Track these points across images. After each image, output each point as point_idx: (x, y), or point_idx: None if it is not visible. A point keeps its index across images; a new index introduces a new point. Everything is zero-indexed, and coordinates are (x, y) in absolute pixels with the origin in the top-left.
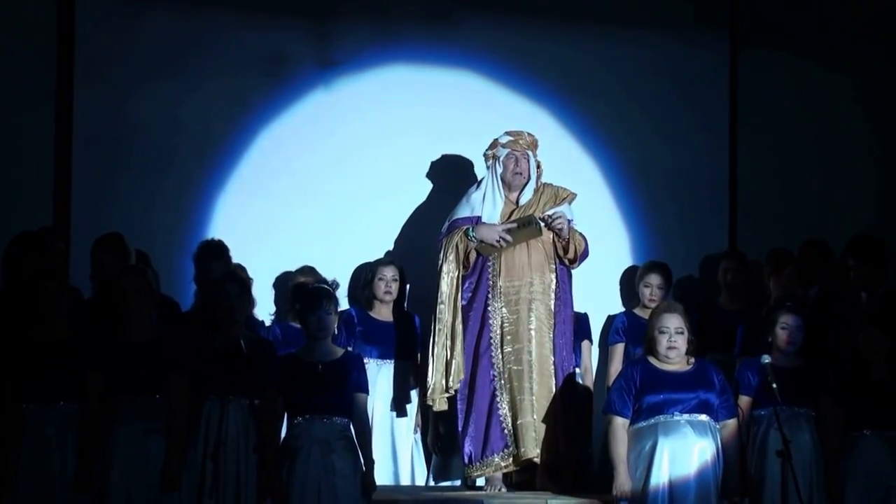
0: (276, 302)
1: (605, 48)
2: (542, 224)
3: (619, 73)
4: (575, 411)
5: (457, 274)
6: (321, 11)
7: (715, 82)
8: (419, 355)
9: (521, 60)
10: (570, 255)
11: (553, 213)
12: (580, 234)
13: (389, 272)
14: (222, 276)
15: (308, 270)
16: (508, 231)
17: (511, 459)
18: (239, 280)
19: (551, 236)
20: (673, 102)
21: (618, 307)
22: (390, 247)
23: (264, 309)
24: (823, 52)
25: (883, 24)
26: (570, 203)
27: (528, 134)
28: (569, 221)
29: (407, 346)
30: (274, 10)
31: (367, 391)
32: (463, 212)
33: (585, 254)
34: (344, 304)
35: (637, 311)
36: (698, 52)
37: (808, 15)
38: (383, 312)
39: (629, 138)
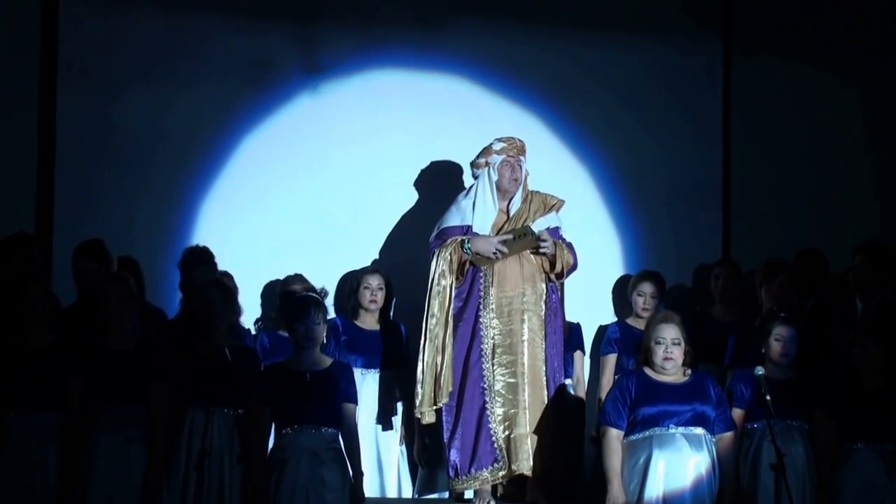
0: (264, 310)
1: (596, 54)
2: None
3: (610, 79)
4: (566, 423)
5: (449, 285)
6: (307, 16)
7: (708, 88)
8: (405, 365)
9: (510, 66)
10: (557, 269)
11: (541, 239)
12: (568, 244)
13: (375, 280)
14: (206, 282)
15: (297, 278)
16: (504, 242)
17: (501, 473)
18: (222, 287)
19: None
20: (666, 109)
21: (609, 317)
22: (377, 255)
23: (252, 317)
24: (818, 59)
25: (878, 29)
26: (557, 211)
27: (519, 140)
28: (557, 229)
29: (393, 355)
30: (259, 15)
31: (355, 401)
32: (453, 220)
33: (574, 266)
34: (330, 313)
35: (629, 320)
36: (691, 58)
37: (802, 21)
38: (368, 321)
39: (621, 145)
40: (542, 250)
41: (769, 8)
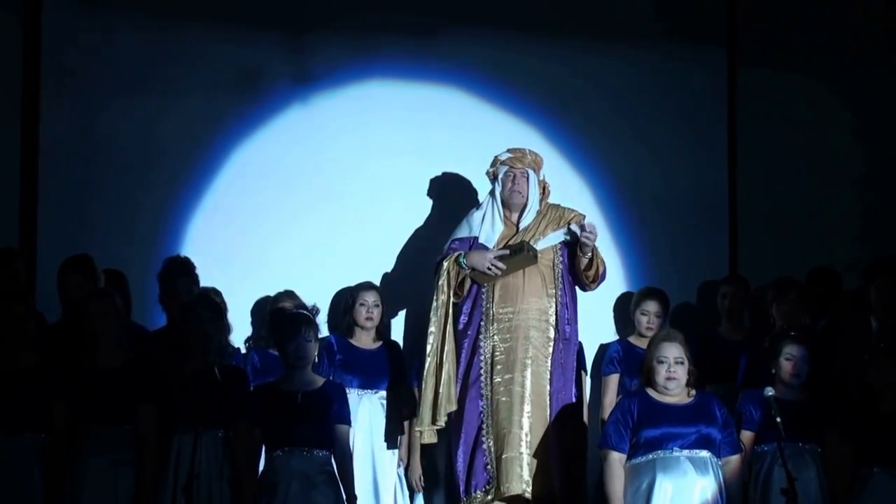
0: (254, 328)
1: (598, 65)
2: (538, 250)
3: (613, 91)
4: (570, 445)
5: (447, 301)
6: (298, 25)
7: (713, 101)
8: (403, 385)
9: (507, 77)
10: (592, 272)
11: (588, 224)
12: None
13: (371, 297)
14: (194, 299)
15: (288, 295)
16: (501, 258)
17: (493, 495)
18: (210, 304)
19: (552, 258)
20: (669, 122)
21: (610, 335)
22: (372, 270)
23: (242, 336)
24: (825, 72)
25: (887, 44)
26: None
27: (531, 152)
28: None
29: (390, 375)
30: (249, 24)
31: (349, 423)
32: (462, 232)
33: (604, 275)
34: (324, 331)
35: (632, 339)
36: (696, 71)
37: (809, 34)
38: (364, 340)
39: (623, 158)
40: (583, 239)
41: (775, 20)
